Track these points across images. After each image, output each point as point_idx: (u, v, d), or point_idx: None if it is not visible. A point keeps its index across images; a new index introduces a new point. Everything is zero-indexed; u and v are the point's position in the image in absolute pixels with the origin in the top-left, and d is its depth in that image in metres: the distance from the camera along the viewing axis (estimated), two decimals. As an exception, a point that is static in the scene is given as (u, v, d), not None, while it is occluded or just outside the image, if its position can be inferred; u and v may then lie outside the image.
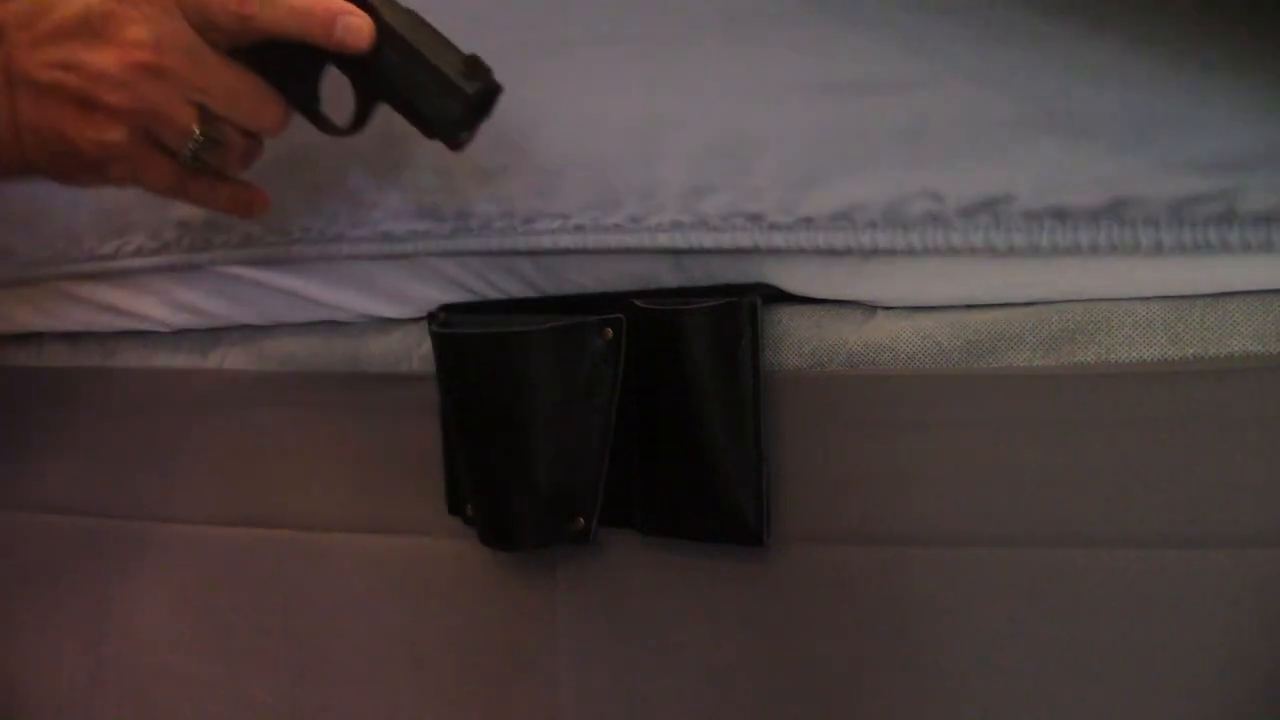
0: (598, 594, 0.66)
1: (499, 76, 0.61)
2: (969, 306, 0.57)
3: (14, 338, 0.84)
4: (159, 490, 0.78)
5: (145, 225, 0.73)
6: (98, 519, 0.80)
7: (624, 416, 0.63)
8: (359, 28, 0.54)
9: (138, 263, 0.74)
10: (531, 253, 0.64)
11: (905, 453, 0.57)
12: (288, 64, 0.56)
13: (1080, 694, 0.55)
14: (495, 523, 0.65)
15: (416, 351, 0.70)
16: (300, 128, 0.59)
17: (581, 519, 0.64)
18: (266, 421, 0.75)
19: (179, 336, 0.78)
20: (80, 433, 0.81)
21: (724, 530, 0.60)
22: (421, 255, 0.67)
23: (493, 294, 0.67)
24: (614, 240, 0.61)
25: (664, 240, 0.60)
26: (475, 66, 0.55)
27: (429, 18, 0.57)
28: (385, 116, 0.57)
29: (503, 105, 0.62)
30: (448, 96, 0.55)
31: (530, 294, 0.66)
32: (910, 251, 0.56)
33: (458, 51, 0.55)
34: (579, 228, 0.62)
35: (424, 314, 0.69)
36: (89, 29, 0.53)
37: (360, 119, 0.58)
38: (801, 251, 0.58)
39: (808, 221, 0.57)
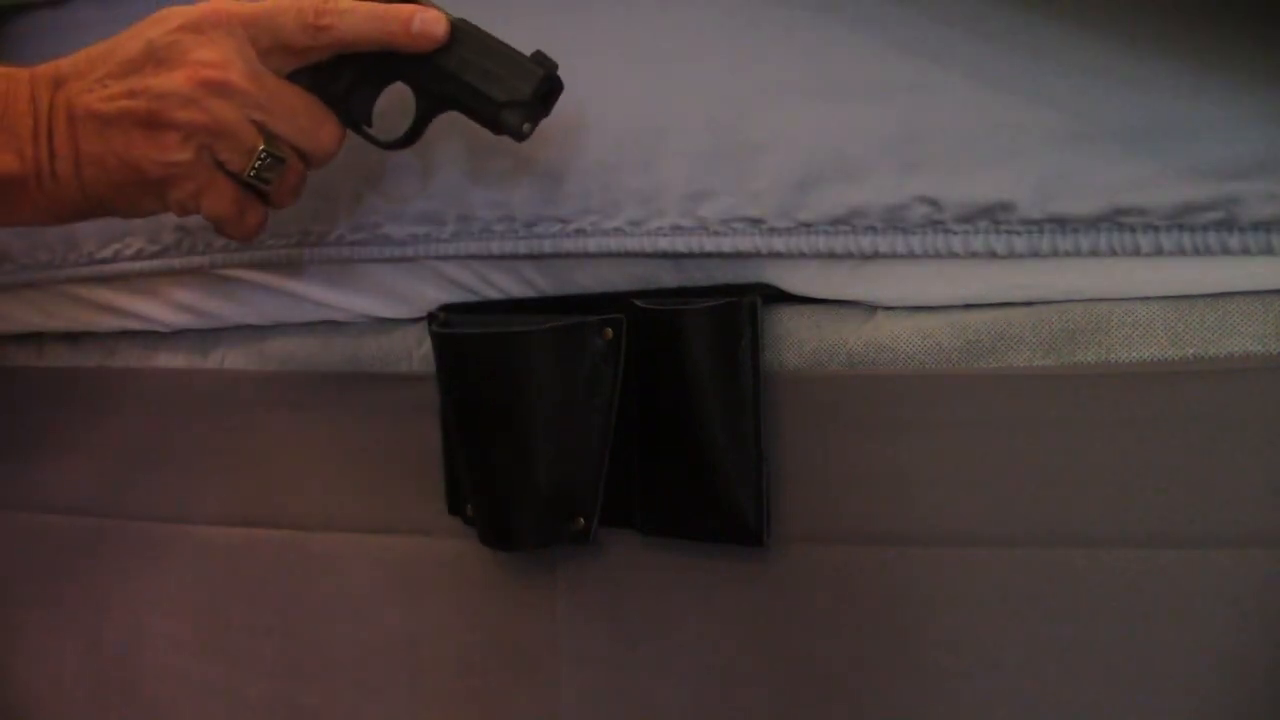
0: (598, 594, 0.66)
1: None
2: (969, 307, 0.57)
3: (14, 338, 0.84)
4: (159, 490, 0.78)
5: (144, 228, 0.73)
6: (98, 519, 0.80)
7: (624, 416, 0.63)
8: (436, 18, 0.55)
9: (137, 266, 0.74)
10: (532, 256, 0.64)
11: (905, 453, 0.57)
12: (346, 84, 0.57)
13: (1080, 694, 0.55)
14: (495, 523, 0.65)
15: (416, 351, 0.70)
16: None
17: (582, 519, 0.64)
18: (266, 421, 0.75)
19: (179, 336, 0.78)
20: (80, 433, 0.81)
21: (724, 530, 0.60)
22: (421, 258, 0.67)
23: (493, 294, 0.67)
24: (614, 244, 0.62)
25: (664, 244, 0.60)
26: (543, 57, 0.56)
27: None
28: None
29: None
30: (520, 78, 0.56)
31: (530, 294, 0.66)
32: (910, 255, 0.56)
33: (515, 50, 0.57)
34: (579, 231, 0.62)
35: (424, 314, 0.69)
36: (154, 59, 0.54)
37: (418, 129, 0.59)
38: (801, 255, 0.58)
39: (807, 226, 0.57)
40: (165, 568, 0.78)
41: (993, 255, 0.55)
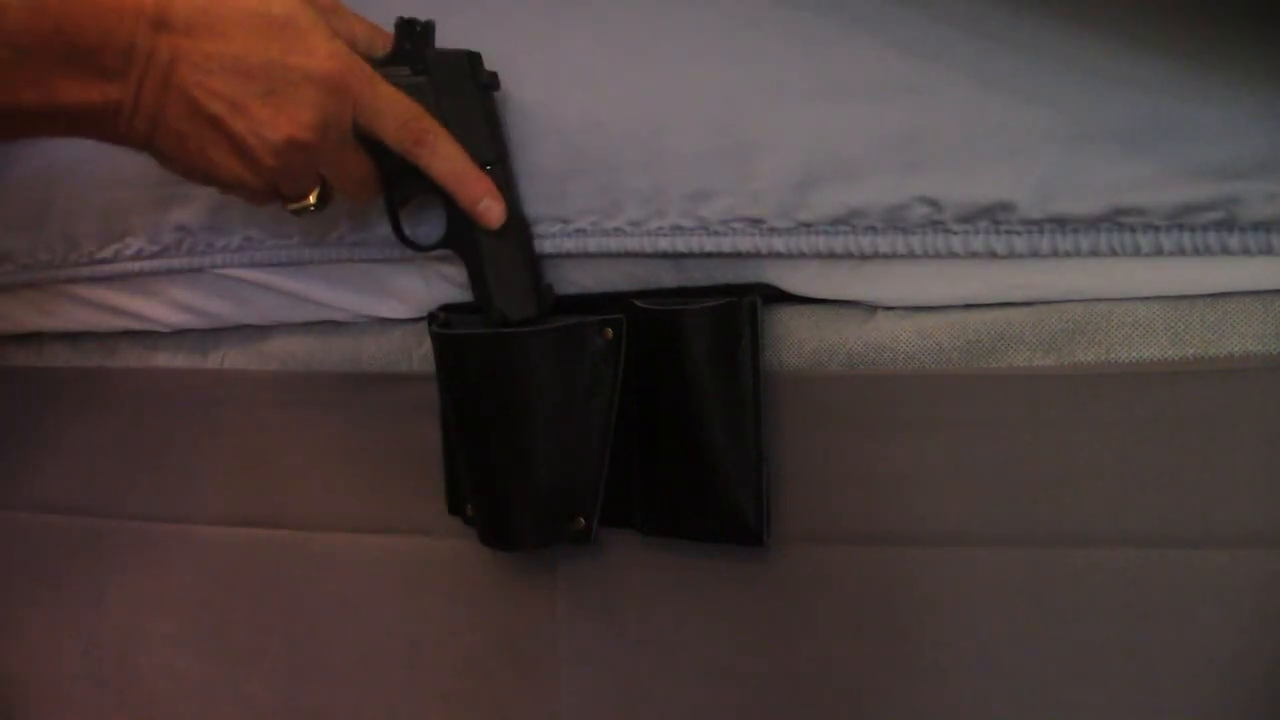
0: (598, 594, 0.66)
1: (502, 79, 0.62)
2: (969, 307, 0.57)
3: (14, 338, 0.84)
4: (159, 490, 0.78)
5: (144, 229, 0.73)
6: (98, 519, 0.80)
7: (624, 416, 0.63)
8: (497, 215, 0.60)
9: (137, 266, 0.74)
10: (532, 256, 0.65)
11: (905, 453, 0.57)
12: (400, 169, 0.60)
13: (1080, 694, 0.55)
14: (496, 523, 0.65)
15: (416, 351, 0.70)
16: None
17: (582, 519, 0.64)
18: (266, 421, 0.75)
19: (179, 336, 0.78)
20: (80, 433, 0.81)
21: (724, 530, 0.61)
22: (422, 258, 0.67)
23: (493, 294, 0.67)
24: (615, 244, 0.62)
25: (665, 245, 0.60)
26: (549, 292, 0.63)
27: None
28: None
29: (504, 109, 0.62)
30: (520, 302, 0.62)
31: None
32: (910, 255, 0.56)
33: (541, 273, 0.63)
34: (580, 232, 0.62)
35: (424, 314, 0.69)
36: (269, 88, 0.54)
37: (445, 243, 0.63)
38: (801, 255, 0.58)
39: (807, 226, 0.57)
40: (165, 568, 0.78)
41: (993, 255, 0.55)
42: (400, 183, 0.62)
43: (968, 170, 0.54)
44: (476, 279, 0.62)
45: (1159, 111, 0.51)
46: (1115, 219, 0.52)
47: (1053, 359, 0.55)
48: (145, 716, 0.79)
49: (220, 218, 0.70)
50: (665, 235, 0.60)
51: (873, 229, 0.56)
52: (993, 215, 0.54)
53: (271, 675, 0.75)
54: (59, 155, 0.75)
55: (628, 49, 0.60)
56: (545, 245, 0.63)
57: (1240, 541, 0.52)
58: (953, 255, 0.55)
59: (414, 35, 0.60)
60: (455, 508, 0.68)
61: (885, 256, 0.57)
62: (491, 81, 0.61)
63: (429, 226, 0.65)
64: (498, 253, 0.62)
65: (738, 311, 0.59)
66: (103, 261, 0.75)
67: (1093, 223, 0.53)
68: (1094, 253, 0.53)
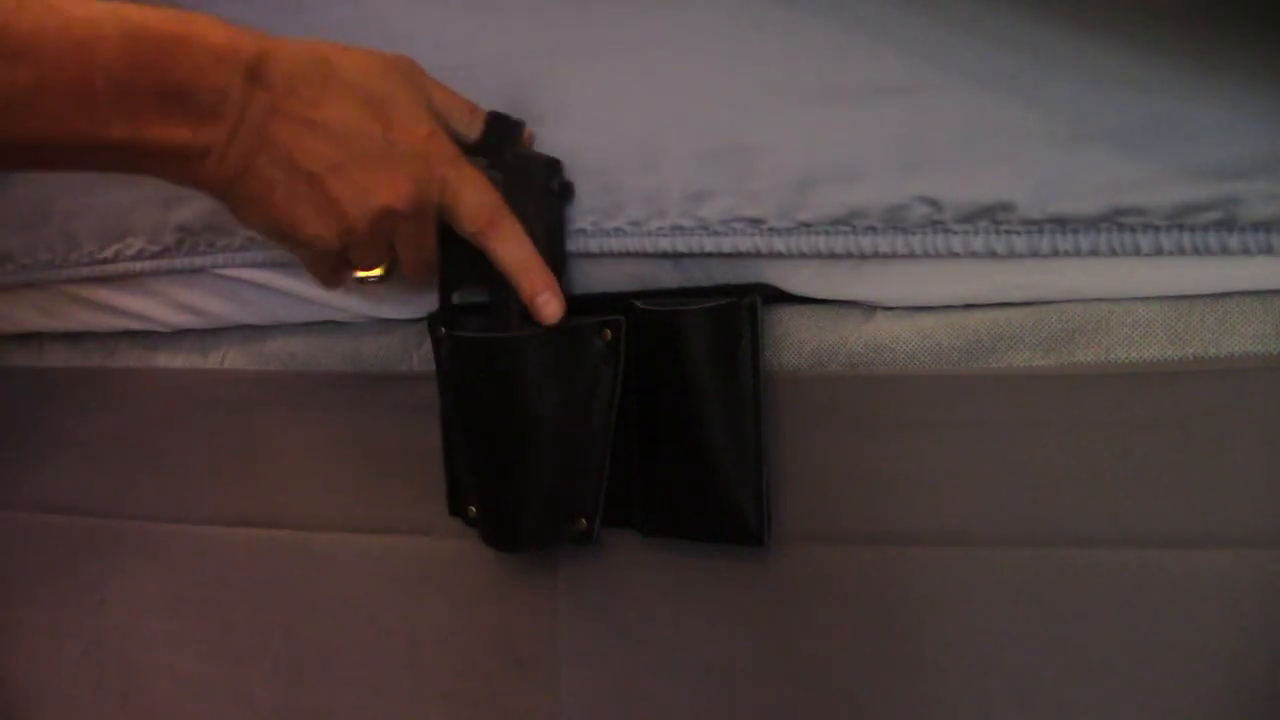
0: (598, 594, 0.66)
1: (501, 81, 0.62)
2: (969, 306, 0.57)
3: (14, 338, 0.85)
4: (159, 490, 0.78)
5: (145, 229, 0.73)
6: (98, 519, 0.81)
7: (624, 417, 0.63)
8: (554, 312, 0.60)
9: (137, 266, 0.74)
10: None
11: (905, 453, 0.57)
12: (467, 265, 0.61)
13: (1080, 694, 0.55)
14: (497, 524, 0.65)
15: (416, 351, 0.70)
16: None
17: (583, 519, 0.64)
18: (267, 421, 0.75)
19: (179, 336, 0.78)
20: (80, 433, 0.81)
21: (724, 530, 0.60)
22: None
23: (493, 294, 0.67)
24: (615, 244, 0.62)
25: (665, 245, 0.61)
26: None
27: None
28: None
29: (505, 110, 0.62)
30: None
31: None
32: (910, 255, 0.56)
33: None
34: (580, 231, 0.62)
35: (424, 314, 0.69)
36: (369, 151, 0.54)
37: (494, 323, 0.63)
38: (802, 255, 0.58)
39: (807, 226, 0.57)
40: (165, 568, 0.78)
41: (993, 255, 0.55)
42: (456, 270, 0.63)
43: (968, 170, 0.54)
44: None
45: (1159, 112, 0.51)
46: (1115, 219, 0.52)
47: (1052, 359, 0.55)
48: (145, 716, 0.79)
49: (221, 218, 0.70)
50: (665, 235, 0.60)
51: (872, 229, 0.56)
52: (993, 215, 0.54)
53: (272, 675, 0.75)
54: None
55: (628, 49, 0.60)
56: (546, 245, 0.63)
57: (1240, 541, 0.52)
58: (953, 255, 0.55)
59: (502, 131, 0.61)
60: (456, 509, 0.68)
61: (885, 256, 0.57)
62: (565, 191, 0.62)
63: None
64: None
65: (738, 312, 0.59)
66: (103, 261, 0.75)
67: (1093, 223, 0.53)
68: (1094, 253, 0.53)
